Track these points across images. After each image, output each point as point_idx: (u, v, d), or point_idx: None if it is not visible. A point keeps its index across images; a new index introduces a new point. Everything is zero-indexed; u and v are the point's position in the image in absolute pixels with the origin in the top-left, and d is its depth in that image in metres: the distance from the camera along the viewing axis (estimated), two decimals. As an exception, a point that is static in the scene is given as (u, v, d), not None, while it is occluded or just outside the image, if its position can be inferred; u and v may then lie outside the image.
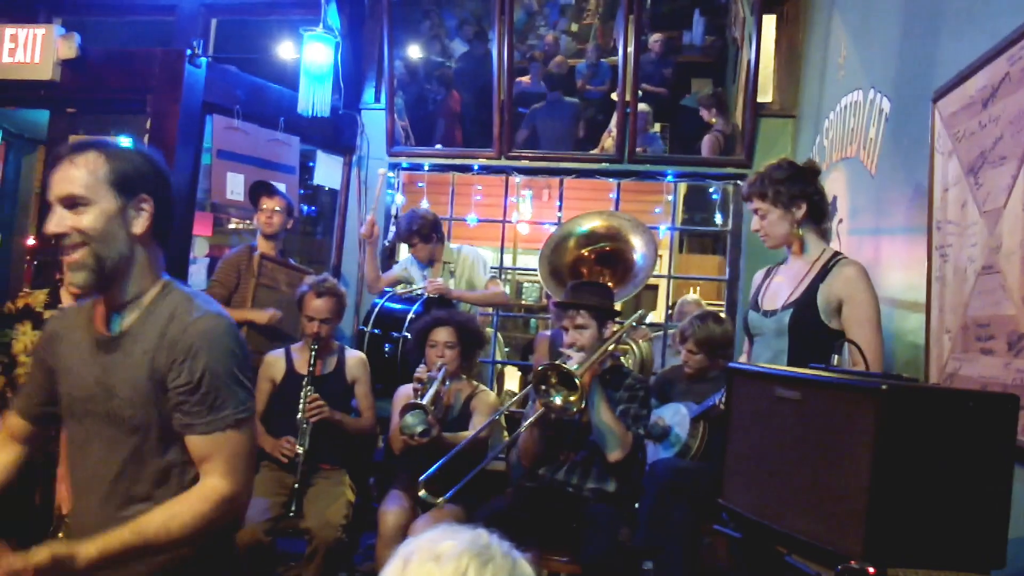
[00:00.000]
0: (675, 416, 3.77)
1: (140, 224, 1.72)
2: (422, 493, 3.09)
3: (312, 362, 3.74)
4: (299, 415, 3.66)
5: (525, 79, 5.35)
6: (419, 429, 3.43)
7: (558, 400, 3.09)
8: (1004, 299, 2.04)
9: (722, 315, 4.11)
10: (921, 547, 1.55)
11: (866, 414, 1.57)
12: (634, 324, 3.48)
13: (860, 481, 1.55)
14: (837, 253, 2.84)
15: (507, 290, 5.46)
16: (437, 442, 3.39)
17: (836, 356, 2.09)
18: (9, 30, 4.52)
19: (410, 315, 4.34)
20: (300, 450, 3.60)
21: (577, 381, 3.02)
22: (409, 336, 4.17)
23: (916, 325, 2.68)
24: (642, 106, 5.18)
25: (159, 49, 4.64)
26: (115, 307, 1.77)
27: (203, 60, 4.60)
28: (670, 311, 5.88)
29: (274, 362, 3.93)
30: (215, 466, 1.71)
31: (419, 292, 4.53)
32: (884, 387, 1.54)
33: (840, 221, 3.72)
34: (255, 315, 4.24)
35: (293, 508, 3.51)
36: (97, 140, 1.78)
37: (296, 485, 3.55)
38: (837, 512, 1.60)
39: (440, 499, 3.09)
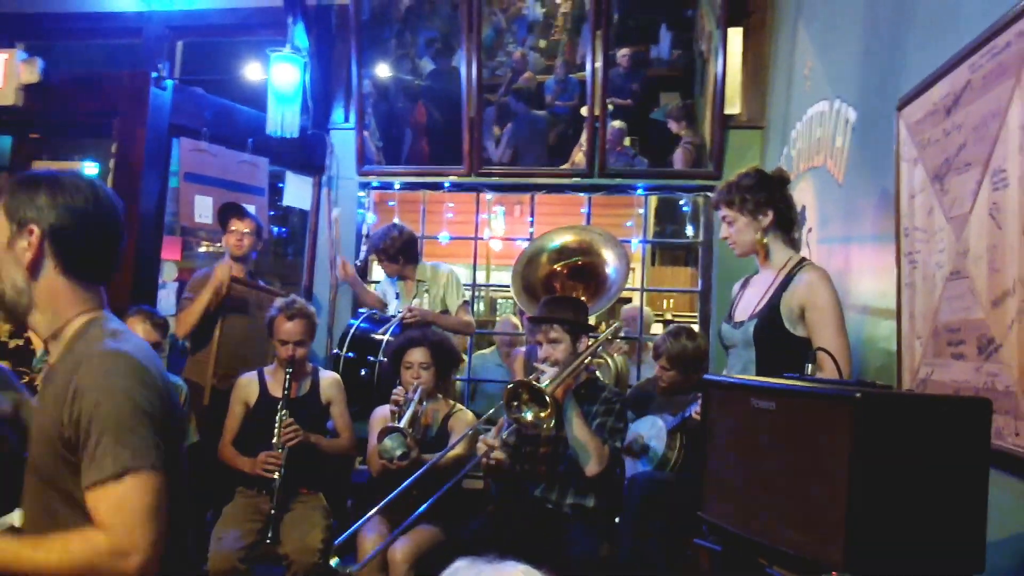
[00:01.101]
0: (652, 429, 3.77)
1: (25, 256, 1.62)
2: (333, 561, 3.09)
3: (287, 385, 3.69)
4: (274, 439, 3.60)
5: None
6: (398, 452, 3.40)
7: (529, 416, 3.07)
8: (973, 303, 2.06)
9: (695, 330, 4.11)
10: (901, 554, 1.55)
11: (841, 422, 1.56)
12: (608, 338, 3.47)
13: (838, 490, 1.54)
14: (803, 260, 2.85)
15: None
16: (417, 464, 3.36)
17: (810, 365, 2.10)
18: (-30, 56, 4.47)
19: (386, 339, 4.29)
20: (276, 476, 3.54)
21: (547, 398, 3.01)
22: (385, 360, 4.14)
23: (887, 332, 2.70)
24: (616, 123, 5.20)
25: (124, 72, 4.60)
26: (44, 341, 1.70)
27: (169, 83, 4.56)
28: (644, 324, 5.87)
29: (247, 384, 3.88)
30: (98, 520, 1.49)
31: (395, 314, 4.49)
32: (858, 395, 1.54)
33: (810, 230, 3.74)
34: (216, 271, 4.19)
35: (270, 535, 3.46)
36: (24, 172, 1.74)
37: (272, 511, 3.49)
38: (817, 522, 1.60)
39: (349, 568, 3.13)
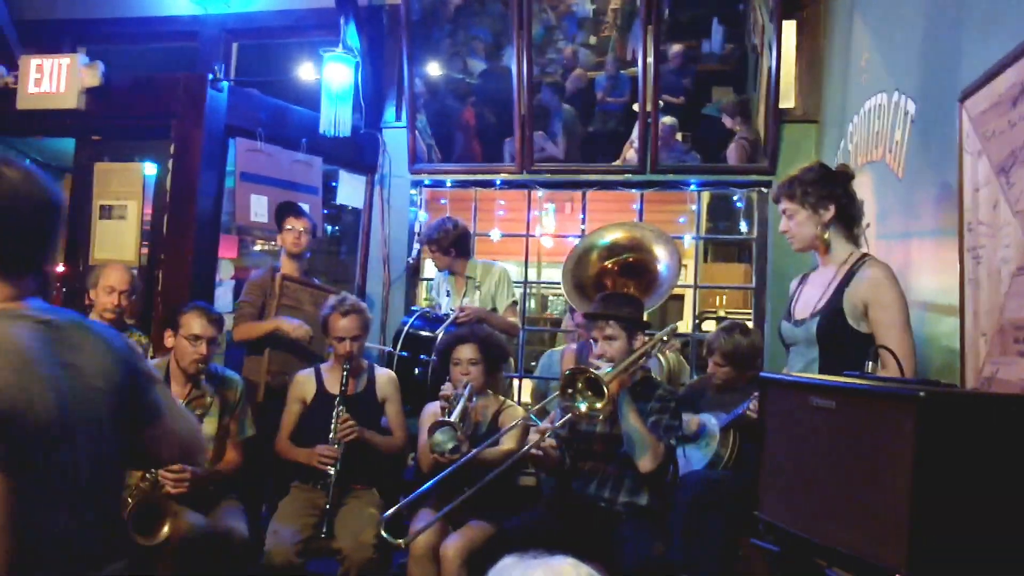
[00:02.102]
0: (706, 427, 3.73)
1: None
2: (384, 534, 3.07)
3: (344, 382, 3.73)
4: (331, 435, 3.64)
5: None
6: (449, 446, 3.41)
7: (583, 406, 3.05)
8: (1042, 300, 1.99)
9: (749, 325, 4.06)
10: (967, 558, 1.51)
11: (905, 422, 1.53)
12: (664, 338, 3.44)
13: (901, 491, 1.51)
14: (864, 255, 2.80)
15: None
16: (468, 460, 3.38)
17: (870, 363, 2.05)
18: (35, 60, 4.60)
19: (439, 337, 4.31)
20: (332, 471, 3.59)
21: (604, 388, 2.98)
22: (437, 360, 4.16)
23: (950, 329, 2.63)
24: (667, 119, 5.15)
25: (181, 74, 4.69)
26: None
27: (225, 84, 4.64)
28: (697, 320, 5.82)
29: (304, 381, 3.93)
30: None
31: (447, 313, 4.51)
32: (922, 394, 1.51)
33: (868, 225, 3.66)
34: (286, 325, 4.24)
35: (324, 529, 3.50)
36: None
37: (328, 506, 3.54)
38: (879, 523, 1.56)
39: (400, 540, 3.12)
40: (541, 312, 8.32)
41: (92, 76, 4.53)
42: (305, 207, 4.68)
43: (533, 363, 6.46)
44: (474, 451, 3.32)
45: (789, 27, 4.98)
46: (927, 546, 1.49)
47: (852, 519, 1.64)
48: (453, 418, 3.44)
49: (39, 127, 4.92)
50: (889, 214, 3.43)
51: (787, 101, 5.04)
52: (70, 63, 4.56)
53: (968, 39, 2.64)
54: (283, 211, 4.52)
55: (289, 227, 4.44)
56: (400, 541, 3.10)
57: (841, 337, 2.68)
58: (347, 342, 3.79)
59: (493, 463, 3.34)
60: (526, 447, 3.34)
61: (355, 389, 3.87)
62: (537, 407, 3.72)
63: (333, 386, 3.82)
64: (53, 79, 4.55)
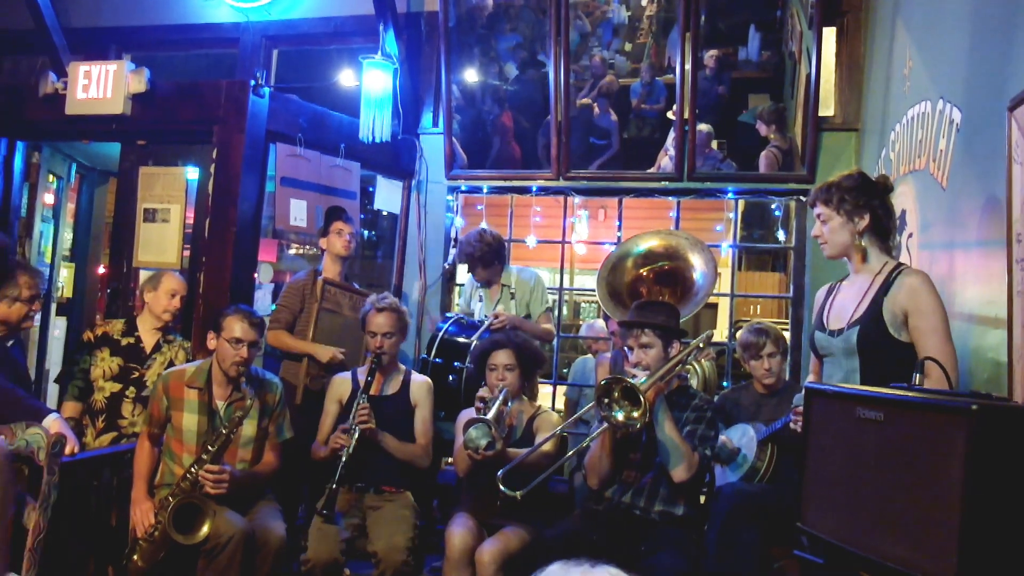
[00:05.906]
0: (743, 438, 3.70)
1: None
2: (501, 487, 3.12)
3: (370, 375, 3.76)
4: (349, 419, 3.66)
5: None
6: (483, 442, 3.43)
7: (620, 416, 3.04)
8: (1094, 314, 1.96)
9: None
10: (1019, 573, 1.49)
11: (955, 435, 1.52)
12: (700, 345, 3.42)
13: (951, 504, 1.50)
14: (900, 264, 2.78)
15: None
16: (502, 457, 3.39)
17: (917, 375, 2.03)
18: (83, 67, 4.68)
19: (474, 343, 4.33)
20: (343, 455, 3.56)
21: (641, 397, 2.97)
22: (472, 366, 4.17)
23: (996, 342, 2.59)
24: (703, 126, 5.13)
25: (224, 81, 4.75)
26: None
27: (266, 90, 4.69)
28: (733, 329, 5.78)
29: (341, 384, 3.97)
30: None
31: (482, 319, 4.53)
32: (975, 407, 1.49)
33: (910, 235, 3.63)
34: (317, 350, 4.30)
35: (325, 509, 3.50)
36: None
37: (334, 485, 3.51)
38: (928, 537, 1.55)
39: (519, 492, 3.12)
40: (574, 319, 8.31)
41: (138, 82, 4.61)
42: (345, 212, 4.73)
43: (565, 370, 6.48)
44: (515, 460, 3.32)
45: (829, 34, 4.95)
46: (978, 561, 1.47)
47: (900, 532, 1.63)
48: (488, 416, 3.46)
49: (86, 132, 5.02)
50: (932, 224, 3.39)
51: (827, 109, 5.00)
52: (117, 69, 4.64)
53: (1017, 47, 2.61)
54: (332, 215, 4.60)
55: (338, 231, 4.52)
56: (518, 492, 3.13)
57: (882, 346, 2.65)
58: (378, 337, 3.84)
59: (530, 469, 3.35)
60: (569, 453, 3.34)
61: (389, 391, 3.91)
62: (576, 416, 3.71)
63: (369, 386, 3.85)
64: (100, 85, 4.63)
